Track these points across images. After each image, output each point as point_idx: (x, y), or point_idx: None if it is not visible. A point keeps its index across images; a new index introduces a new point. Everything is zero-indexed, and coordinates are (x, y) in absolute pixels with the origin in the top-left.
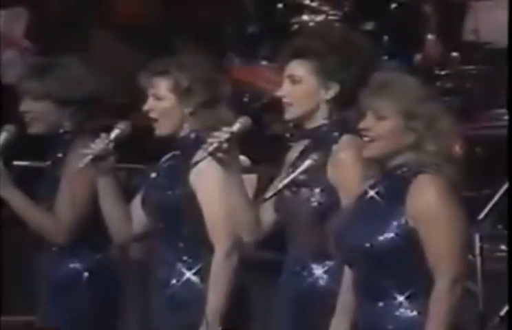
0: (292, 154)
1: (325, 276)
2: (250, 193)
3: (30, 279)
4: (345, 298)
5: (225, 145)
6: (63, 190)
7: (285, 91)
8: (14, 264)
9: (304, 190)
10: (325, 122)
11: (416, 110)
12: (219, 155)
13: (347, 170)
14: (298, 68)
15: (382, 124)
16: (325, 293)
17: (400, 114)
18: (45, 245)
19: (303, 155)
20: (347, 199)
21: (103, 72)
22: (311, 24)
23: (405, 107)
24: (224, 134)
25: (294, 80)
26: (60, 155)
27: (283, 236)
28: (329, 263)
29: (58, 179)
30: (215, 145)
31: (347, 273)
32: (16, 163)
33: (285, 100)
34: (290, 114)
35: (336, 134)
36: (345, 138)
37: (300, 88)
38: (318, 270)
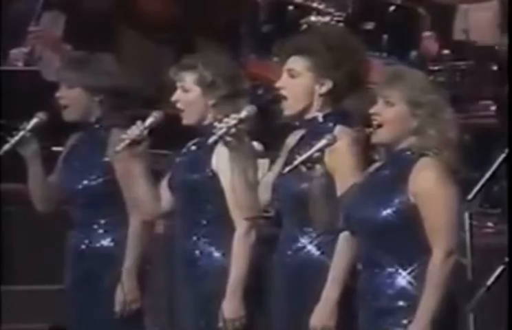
0: (291, 140)
1: (317, 251)
2: (263, 174)
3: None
4: (337, 269)
5: (233, 130)
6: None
7: (283, 83)
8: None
9: (318, 167)
10: (319, 114)
11: (420, 99)
12: (227, 138)
13: (341, 158)
14: (297, 63)
15: (390, 110)
16: (317, 266)
17: (406, 102)
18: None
19: (301, 142)
20: (341, 183)
21: (132, 67)
22: (318, 24)
23: (411, 96)
24: (231, 120)
25: (292, 74)
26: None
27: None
28: (321, 238)
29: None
30: (224, 130)
31: (340, 246)
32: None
33: (282, 91)
34: (288, 111)
35: (330, 125)
36: (339, 129)
37: (297, 82)
38: (310, 245)
